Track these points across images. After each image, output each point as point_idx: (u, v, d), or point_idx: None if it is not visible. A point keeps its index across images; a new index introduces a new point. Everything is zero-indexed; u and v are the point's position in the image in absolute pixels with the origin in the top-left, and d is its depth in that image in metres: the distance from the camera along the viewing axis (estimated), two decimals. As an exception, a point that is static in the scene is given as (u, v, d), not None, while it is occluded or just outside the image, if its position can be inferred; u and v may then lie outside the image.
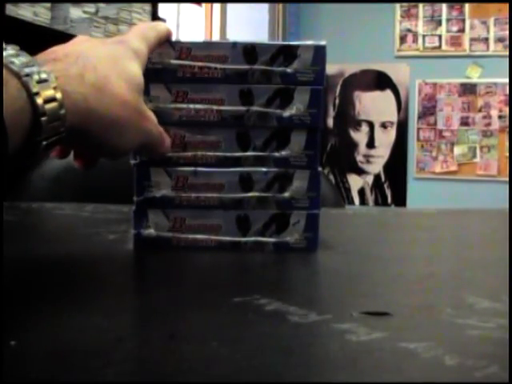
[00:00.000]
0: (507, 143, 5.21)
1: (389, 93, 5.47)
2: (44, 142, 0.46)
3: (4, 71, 0.44)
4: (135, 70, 0.54)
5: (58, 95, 0.46)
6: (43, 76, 0.46)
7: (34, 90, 0.45)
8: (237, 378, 0.30)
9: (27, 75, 0.45)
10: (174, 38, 0.63)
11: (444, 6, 5.41)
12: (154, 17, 3.22)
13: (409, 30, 5.49)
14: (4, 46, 0.47)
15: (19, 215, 0.95)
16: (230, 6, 4.85)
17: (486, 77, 5.30)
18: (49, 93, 0.46)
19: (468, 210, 1.31)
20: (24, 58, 0.46)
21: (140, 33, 0.58)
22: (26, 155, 0.47)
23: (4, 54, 0.46)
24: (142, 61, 0.56)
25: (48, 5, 2.59)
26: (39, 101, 0.45)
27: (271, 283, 0.53)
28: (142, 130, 0.55)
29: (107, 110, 0.50)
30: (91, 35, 2.75)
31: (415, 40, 5.49)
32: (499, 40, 5.29)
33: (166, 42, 0.62)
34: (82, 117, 0.49)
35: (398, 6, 5.48)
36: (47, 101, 0.46)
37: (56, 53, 0.50)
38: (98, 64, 0.51)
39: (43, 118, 0.45)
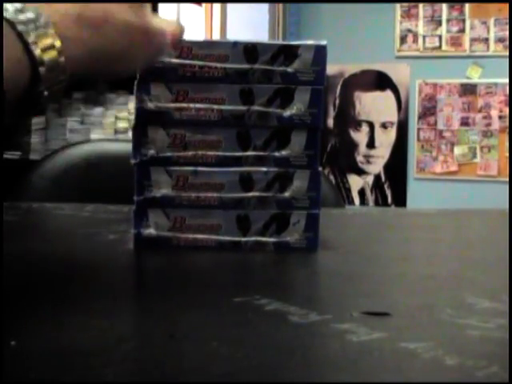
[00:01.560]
0: (507, 143, 5.21)
1: (389, 93, 5.47)
2: (45, 92, 0.46)
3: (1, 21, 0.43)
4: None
5: (57, 43, 0.45)
6: (41, 22, 0.44)
7: (31, 39, 0.44)
8: (237, 378, 0.30)
9: (23, 23, 0.44)
10: (174, 38, 0.63)
11: (444, 7, 5.41)
12: (155, 17, 3.21)
13: (409, 31, 5.49)
14: None
15: (19, 215, 0.95)
16: (230, 6, 4.85)
17: (486, 77, 5.30)
18: (47, 41, 0.44)
19: (468, 210, 1.31)
20: (19, 4, 0.45)
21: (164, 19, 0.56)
22: (28, 106, 0.46)
23: None
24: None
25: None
26: (37, 51, 0.44)
27: (271, 283, 0.53)
28: (152, 45, 0.53)
29: (110, 45, 0.49)
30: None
31: (415, 40, 5.48)
32: (499, 40, 5.28)
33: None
34: (84, 59, 0.47)
35: (398, 6, 5.48)
36: (45, 49, 0.44)
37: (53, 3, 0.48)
38: (96, 3, 0.49)
39: (41, 68, 0.44)
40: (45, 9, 0.46)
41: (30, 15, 0.44)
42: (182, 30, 0.57)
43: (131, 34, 0.50)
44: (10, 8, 0.44)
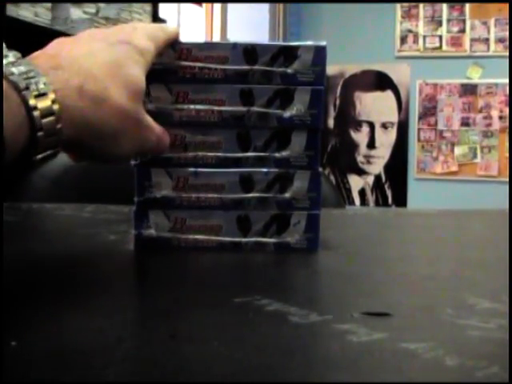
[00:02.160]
0: (508, 144, 5.21)
1: (389, 93, 5.47)
2: (39, 156, 0.46)
3: (4, 83, 0.44)
4: (138, 75, 0.54)
5: (56, 108, 0.46)
6: (41, 88, 0.45)
7: (31, 103, 0.44)
8: (237, 378, 0.30)
9: (26, 88, 0.45)
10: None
11: (444, 7, 5.41)
12: (155, 17, 3.22)
13: (409, 31, 5.49)
14: (5, 52, 0.47)
15: (20, 216, 0.95)
16: (230, 7, 4.85)
17: (486, 77, 5.30)
18: (46, 105, 0.45)
19: (468, 210, 1.31)
20: (24, 66, 0.46)
21: (149, 32, 0.58)
22: (20, 167, 0.46)
23: (4, 61, 0.46)
24: (147, 62, 0.56)
25: (48, 5, 2.59)
26: (36, 114, 0.45)
27: (272, 284, 0.53)
28: (140, 139, 0.55)
29: (105, 122, 0.50)
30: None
31: (416, 40, 5.49)
32: (500, 40, 5.28)
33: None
34: (78, 130, 0.48)
35: (398, 6, 5.48)
36: (44, 115, 0.45)
37: (59, 56, 0.50)
38: (100, 73, 0.50)
39: (40, 133, 0.45)
40: (50, 75, 0.47)
41: (33, 81, 0.45)
42: (166, 143, 0.59)
43: (125, 120, 0.52)
44: (15, 71, 0.45)
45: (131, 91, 0.52)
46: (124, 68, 0.53)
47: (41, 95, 0.45)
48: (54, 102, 0.46)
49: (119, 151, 0.53)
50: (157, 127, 0.57)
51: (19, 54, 0.48)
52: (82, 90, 0.48)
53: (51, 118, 0.46)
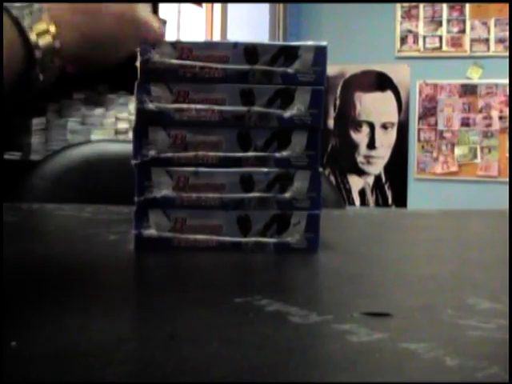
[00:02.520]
0: (508, 144, 5.21)
1: (389, 94, 5.47)
2: (41, 76, 0.46)
3: None
4: None
5: (51, 27, 0.45)
6: (35, 6, 0.45)
7: (26, 23, 0.44)
8: (237, 379, 0.30)
9: (17, 8, 0.44)
10: (175, 39, 0.63)
11: (444, 7, 5.41)
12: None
13: (409, 31, 5.49)
14: None
15: (20, 216, 0.95)
16: (230, 7, 4.85)
17: (486, 78, 5.29)
18: (42, 26, 0.45)
19: (468, 210, 1.31)
20: None
21: None
22: (24, 90, 0.46)
23: None
24: None
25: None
26: (32, 35, 0.44)
27: (272, 284, 0.53)
28: (140, 35, 0.55)
29: (103, 31, 0.50)
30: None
31: (416, 41, 5.48)
32: (500, 41, 5.28)
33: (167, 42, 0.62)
34: (77, 43, 0.48)
35: (398, 6, 5.48)
36: (40, 34, 0.45)
37: None
38: None
39: (37, 52, 0.45)
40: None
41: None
42: (163, 30, 0.59)
43: (122, 23, 0.51)
44: None
45: None
46: None
47: (34, 12, 0.45)
48: (48, 21, 0.45)
49: (123, 52, 0.53)
50: (153, 21, 0.57)
51: None
52: (75, 5, 0.48)
53: (48, 37, 0.45)
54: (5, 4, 0.44)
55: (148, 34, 0.56)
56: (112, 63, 0.53)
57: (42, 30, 0.45)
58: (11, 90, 0.44)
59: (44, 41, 0.45)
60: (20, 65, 0.44)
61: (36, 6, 0.45)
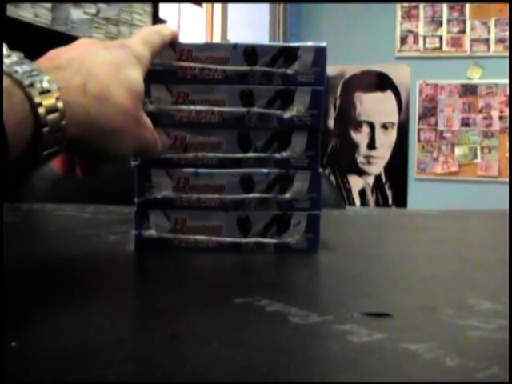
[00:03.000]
0: (508, 144, 5.21)
1: (389, 94, 5.47)
2: (45, 152, 0.47)
3: (8, 80, 0.44)
4: (136, 76, 0.54)
5: (60, 105, 0.46)
6: (46, 86, 0.46)
7: (37, 100, 0.45)
8: (238, 379, 0.30)
9: (31, 85, 0.45)
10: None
11: (445, 7, 5.41)
12: (155, 18, 3.22)
13: (409, 31, 5.49)
14: (8, 52, 0.47)
15: (20, 216, 0.95)
16: (230, 8, 4.85)
17: (486, 78, 5.30)
18: (51, 102, 0.46)
19: (469, 210, 1.31)
20: (27, 66, 0.46)
21: (144, 36, 0.58)
22: (26, 164, 0.47)
23: (7, 61, 0.46)
24: (143, 66, 0.56)
25: (49, 6, 2.60)
26: (41, 111, 0.45)
27: (272, 284, 0.53)
28: (139, 137, 0.55)
29: (107, 119, 0.50)
30: (92, 36, 2.75)
31: (416, 41, 5.48)
32: (500, 41, 5.28)
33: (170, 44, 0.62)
34: (82, 127, 0.49)
35: (398, 7, 5.48)
36: (49, 111, 0.46)
37: (59, 58, 0.50)
38: (100, 72, 0.51)
39: (45, 129, 0.46)
40: (52, 74, 0.47)
41: (37, 78, 0.46)
42: (161, 145, 0.60)
43: (126, 118, 0.52)
44: (19, 70, 0.46)
45: (131, 92, 0.53)
46: (123, 69, 0.53)
47: (45, 92, 0.45)
48: (58, 99, 0.46)
49: (120, 149, 0.54)
50: (153, 129, 0.58)
51: (22, 55, 0.48)
52: (85, 88, 0.49)
53: (56, 115, 0.46)
54: (17, 77, 0.45)
55: (147, 138, 0.57)
56: (111, 156, 0.54)
57: (51, 107, 0.46)
58: (15, 163, 0.45)
59: (52, 118, 0.46)
60: (27, 140, 0.45)
61: (46, 84, 0.46)
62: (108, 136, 0.51)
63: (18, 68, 0.46)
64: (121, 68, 0.53)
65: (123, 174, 0.67)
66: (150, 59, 0.58)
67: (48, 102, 0.46)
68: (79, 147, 0.51)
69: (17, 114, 0.44)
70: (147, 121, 0.56)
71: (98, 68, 0.51)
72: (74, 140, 0.48)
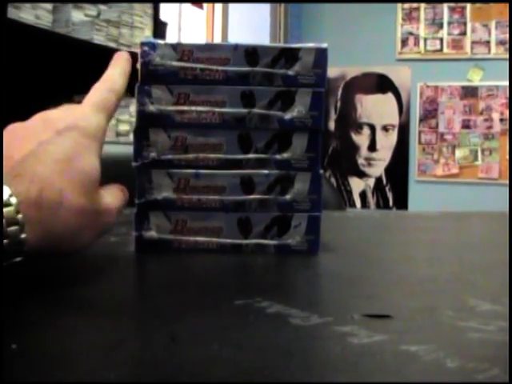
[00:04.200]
0: (508, 146, 5.21)
1: (390, 96, 5.47)
2: (5, 264, 0.47)
3: None
4: (89, 164, 0.54)
5: (20, 217, 0.47)
6: (6, 199, 0.46)
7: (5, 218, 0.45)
8: (238, 381, 0.30)
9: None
10: (175, 41, 0.64)
11: (445, 9, 5.42)
12: (156, 20, 3.22)
13: (410, 33, 5.50)
14: None
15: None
16: (231, 10, 4.86)
17: (487, 80, 5.30)
18: (11, 215, 0.46)
19: (469, 212, 1.31)
20: None
21: (95, 102, 0.57)
22: None
23: None
24: (99, 141, 0.55)
25: (49, 8, 2.60)
26: (3, 223, 0.45)
27: (272, 286, 0.53)
28: (99, 227, 0.55)
29: (63, 227, 0.51)
30: (93, 38, 2.75)
31: (417, 43, 5.49)
32: (501, 43, 5.29)
33: (168, 44, 0.62)
34: (39, 238, 0.49)
35: (399, 9, 5.49)
36: (9, 223, 0.46)
37: (14, 159, 0.50)
38: (53, 176, 0.50)
39: (6, 241, 0.46)
40: (13, 185, 0.47)
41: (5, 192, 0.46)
42: (125, 200, 0.60)
43: (83, 217, 0.52)
44: None
45: (85, 185, 0.52)
46: (75, 162, 0.52)
47: (6, 205, 0.46)
48: (17, 212, 0.46)
49: (82, 243, 0.54)
50: (112, 203, 0.57)
51: None
52: (40, 199, 0.49)
53: (16, 227, 0.46)
54: None
55: (110, 220, 0.57)
56: (71, 251, 0.54)
57: (11, 219, 0.46)
58: None
59: (12, 230, 0.46)
60: None
61: (6, 196, 0.46)
62: (67, 239, 0.52)
63: None
64: (72, 161, 0.52)
65: (124, 175, 0.67)
66: (107, 122, 0.57)
67: (8, 214, 0.46)
68: (38, 251, 0.51)
69: None
70: (105, 204, 0.56)
71: (49, 171, 0.50)
72: (33, 249, 0.49)
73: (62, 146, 0.53)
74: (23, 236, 0.47)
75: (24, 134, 0.53)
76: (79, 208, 0.52)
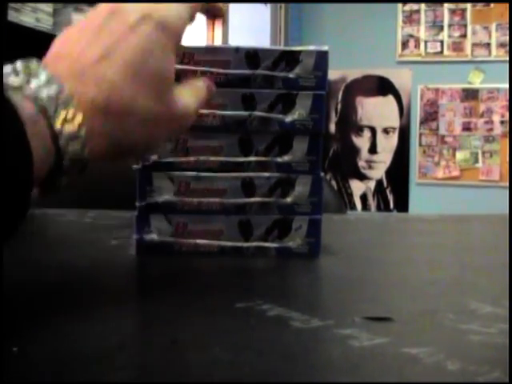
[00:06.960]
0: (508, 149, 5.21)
1: (391, 98, 5.47)
2: (64, 182, 0.45)
3: (33, 107, 0.42)
4: (164, 66, 0.48)
5: (82, 133, 0.43)
6: (69, 115, 0.43)
7: (57, 128, 0.42)
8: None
9: (55, 112, 0.42)
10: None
11: (446, 12, 5.42)
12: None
13: (411, 36, 5.50)
14: (38, 70, 0.44)
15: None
16: (231, 12, 4.86)
17: (488, 82, 5.30)
18: (73, 130, 0.43)
19: (470, 215, 1.31)
20: (54, 87, 0.43)
21: None
22: (44, 192, 0.45)
23: (34, 83, 0.43)
24: (178, 35, 0.50)
25: (50, 10, 2.60)
26: (62, 141, 0.43)
27: (273, 288, 0.53)
28: (174, 131, 0.52)
29: (130, 136, 0.47)
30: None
31: (417, 45, 5.49)
32: (501, 45, 5.29)
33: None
34: (103, 152, 0.46)
35: (399, 11, 5.49)
36: (70, 139, 0.43)
37: (78, 63, 0.46)
38: (123, 81, 0.46)
39: (65, 161, 0.43)
40: (73, 89, 0.44)
41: (61, 104, 0.43)
42: (210, 93, 0.56)
43: (153, 126, 0.49)
44: (44, 96, 0.43)
45: (159, 89, 0.48)
46: (148, 64, 0.47)
47: (68, 120, 0.43)
48: (80, 126, 0.43)
49: (152, 147, 0.51)
50: (189, 104, 0.52)
51: (50, 74, 0.44)
52: (108, 109, 0.45)
53: (77, 145, 0.43)
54: (44, 105, 0.42)
55: (186, 123, 0.53)
56: (138, 158, 0.51)
57: (72, 135, 0.43)
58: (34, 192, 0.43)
59: (73, 148, 0.43)
60: (47, 170, 0.43)
61: (70, 111, 0.43)
62: (134, 148, 0.49)
63: (43, 93, 0.43)
64: (146, 63, 0.47)
65: (124, 178, 0.67)
66: (190, 17, 0.51)
67: (70, 129, 0.43)
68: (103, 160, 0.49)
69: (39, 143, 0.41)
70: (182, 106, 0.51)
71: (119, 75, 0.46)
72: (97, 158, 0.46)
73: (135, 45, 0.47)
74: (84, 153, 0.44)
75: (92, 29, 0.48)
76: (152, 115, 0.47)
